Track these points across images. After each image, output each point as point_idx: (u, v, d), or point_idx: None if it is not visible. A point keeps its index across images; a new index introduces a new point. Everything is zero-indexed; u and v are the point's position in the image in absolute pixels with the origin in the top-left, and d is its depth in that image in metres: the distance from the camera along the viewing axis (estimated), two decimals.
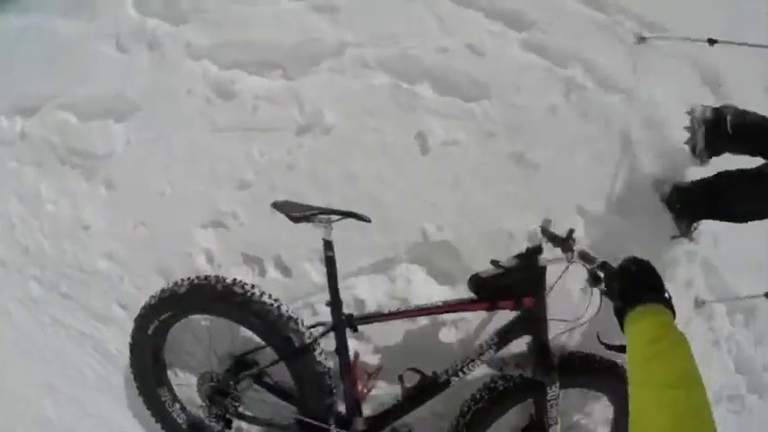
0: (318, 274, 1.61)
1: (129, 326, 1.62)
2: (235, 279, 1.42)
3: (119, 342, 1.82)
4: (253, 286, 1.39)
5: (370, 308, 1.56)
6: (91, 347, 1.91)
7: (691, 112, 1.41)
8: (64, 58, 2.15)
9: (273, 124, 1.80)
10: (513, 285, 1.22)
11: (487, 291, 1.24)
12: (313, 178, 1.71)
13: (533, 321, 1.26)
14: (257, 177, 1.77)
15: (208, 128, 1.87)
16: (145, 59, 2.05)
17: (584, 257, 1.09)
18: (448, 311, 1.34)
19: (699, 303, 1.64)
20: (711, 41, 1.47)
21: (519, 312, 1.27)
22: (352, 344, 1.44)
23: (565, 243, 1.15)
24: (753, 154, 1.31)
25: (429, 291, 1.58)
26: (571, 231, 1.17)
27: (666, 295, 0.86)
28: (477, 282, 1.24)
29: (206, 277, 1.44)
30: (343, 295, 1.36)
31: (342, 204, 1.39)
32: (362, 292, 1.60)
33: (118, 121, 2.02)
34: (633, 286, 0.87)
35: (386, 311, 1.34)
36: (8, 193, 2.12)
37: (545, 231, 1.22)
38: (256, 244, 1.72)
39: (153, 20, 2.06)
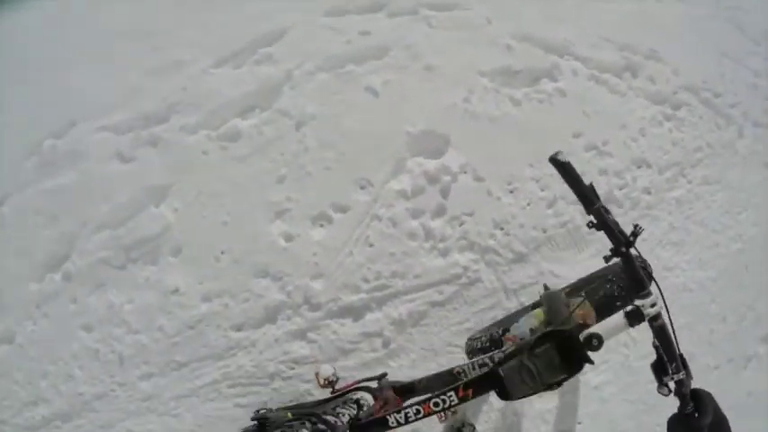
0: None
1: (257, 345, 1.93)
2: None
3: (253, 362, 2.02)
4: None
5: None
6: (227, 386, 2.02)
7: None
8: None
9: None
10: None
11: None
12: None
13: None
14: None
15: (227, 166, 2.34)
16: (154, 157, 2.50)
17: None
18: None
19: None
20: None
21: None
22: None
23: None
24: None
25: None
26: None
27: None
28: None
29: None
30: None
31: None
32: None
33: (158, 205, 2.37)
34: None
35: None
36: (74, 331, 2.15)
37: None
38: None
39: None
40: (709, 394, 1.12)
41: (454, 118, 2.40)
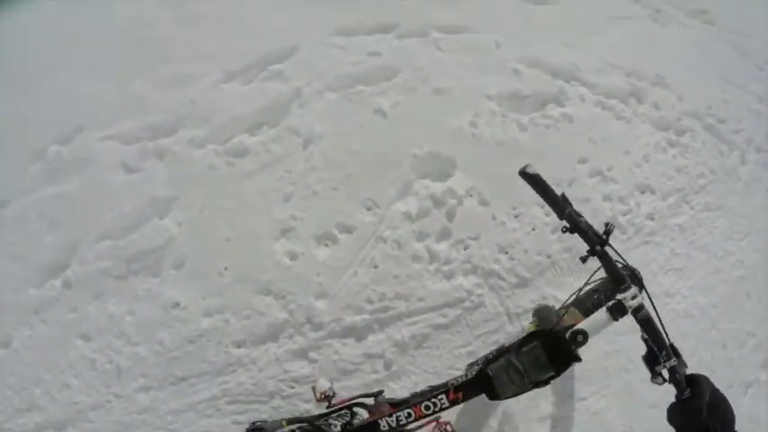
0: None
1: (258, 362, 1.93)
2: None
3: (252, 379, 2.02)
4: None
5: None
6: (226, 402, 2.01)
7: None
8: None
9: None
10: None
11: None
12: None
13: None
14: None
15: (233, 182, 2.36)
16: (160, 169, 2.49)
17: None
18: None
19: None
20: None
21: None
22: None
23: None
24: None
25: None
26: None
27: None
28: None
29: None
30: None
31: None
32: None
33: (162, 217, 2.36)
34: None
35: None
36: (72, 340, 2.12)
37: None
38: None
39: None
40: (704, 376, 1.13)
41: (461, 141, 2.42)
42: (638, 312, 1.19)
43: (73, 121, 2.68)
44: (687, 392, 1.11)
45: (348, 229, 2.22)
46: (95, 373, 2.07)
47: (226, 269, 2.19)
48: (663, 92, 3.01)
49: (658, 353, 1.16)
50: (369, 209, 2.25)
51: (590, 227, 1.22)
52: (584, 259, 1.23)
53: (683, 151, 2.82)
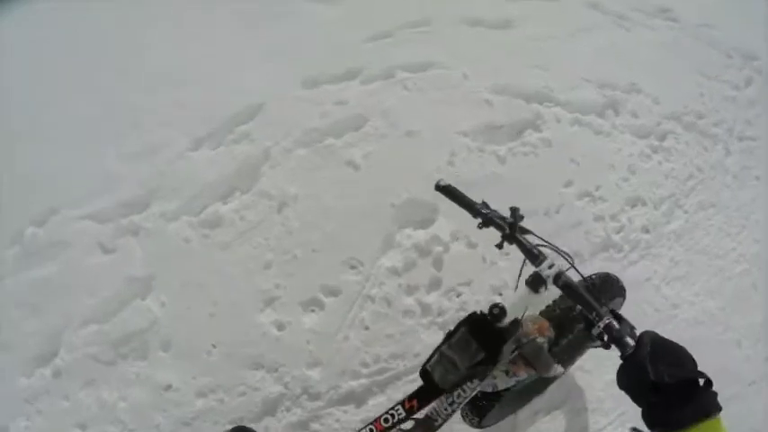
0: None
1: None
2: None
3: None
4: None
5: None
6: None
7: None
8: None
9: None
10: None
11: None
12: None
13: None
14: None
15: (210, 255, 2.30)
16: (135, 246, 2.43)
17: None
18: None
19: None
20: None
21: None
22: None
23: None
24: None
25: None
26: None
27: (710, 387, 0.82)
28: None
29: None
30: None
31: None
32: None
33: (143, 297, 2.29)
34: (672, 400, 0.82)
35: None
36: (69, 429, 2.07)
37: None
38: None
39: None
40: (648, 331, 0.99)
41: None
42: (559, 280, 1.18)
43: (46, 200, 2.61)
44: (630, 348, 0.98)
45: (334, 292, 2.16)
46: None
47: (214, 346, 2.14)
48: (638, 98, 2.99)
49: (589, 315, 1.11)
50: (353, 267, 2.19)
51: (501, 217, 1.32)
52: (499, 246, 1.32)
53: (667, 155, 2.81)
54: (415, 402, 1.27)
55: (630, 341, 1.01)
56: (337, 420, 1.99)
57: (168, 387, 2.08)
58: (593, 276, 1.70)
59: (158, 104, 2.85)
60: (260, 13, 3.16)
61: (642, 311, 2.28)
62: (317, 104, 2.62)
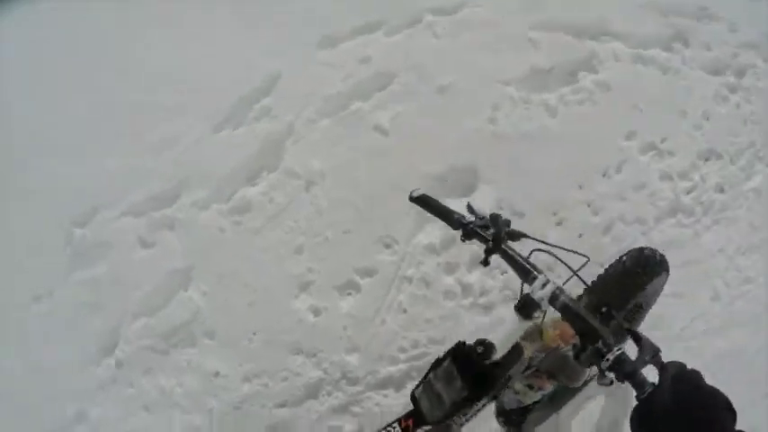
0: None
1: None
2: None
3: None
4: None
5: None
6: None
7: None
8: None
9: None
10: None
11: None
12: None
13: None
14: None
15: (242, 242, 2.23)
16: (173, 239, 2.42)
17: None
18: None
19: None
20: None
21: None
22: None
23: None
24: None
25: None
26: None
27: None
28: None
29: None
30: None
31: None
32: None
33: (185, 288, 2.32)
34: None
35: None
36: (137, 412, 2.23)
37: None
38: None
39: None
40: (673, 362, 0.78)
41: (480, 145, 2.10)
42: (556, 300, 0.93)
43: (87, 201, 2.66)
44: (648, 388, 0.76)
45: (369, 273, 2.04)
46: None
47: (254, 334, 2.13)
48: (710, 26, 2.48)
49: (594, 345, 0.85)
50: (387, 246, 2.04)
51: (484, 229, 1.12)
52: (483, 262, 1.11)
53: (746, 95, 2.34)
54: (410, 422, 1.15)
55: (647, 380, 0.78)
56: (377, 404, 1.95)
57: (217, 374, 2.13)
58: (624, 258, 1.44)
59: (166, 98, 2.73)
60: (260, 14, 2.90)
61: (712, 287, 1.96)
62: (337, 67, 2.38)
